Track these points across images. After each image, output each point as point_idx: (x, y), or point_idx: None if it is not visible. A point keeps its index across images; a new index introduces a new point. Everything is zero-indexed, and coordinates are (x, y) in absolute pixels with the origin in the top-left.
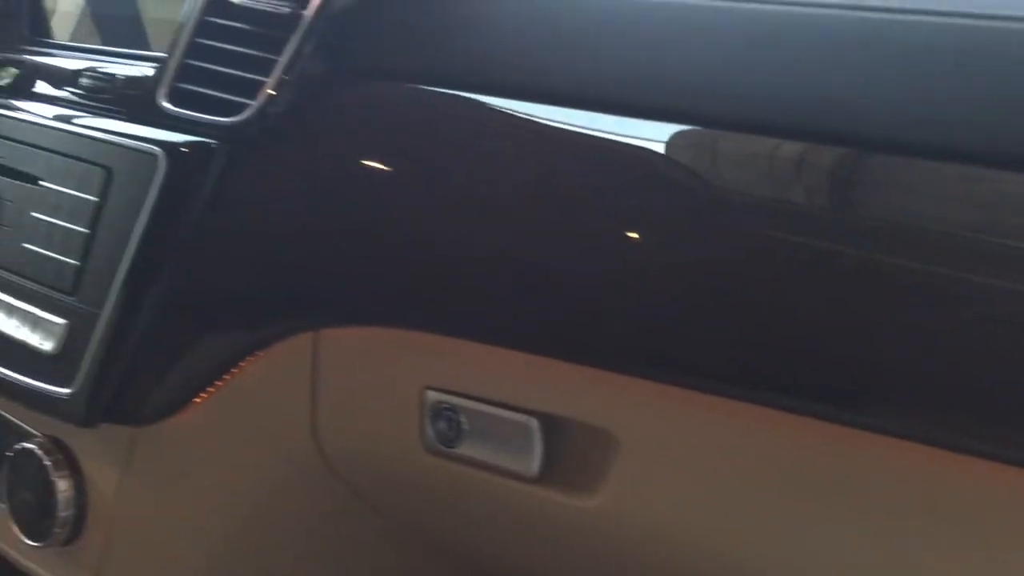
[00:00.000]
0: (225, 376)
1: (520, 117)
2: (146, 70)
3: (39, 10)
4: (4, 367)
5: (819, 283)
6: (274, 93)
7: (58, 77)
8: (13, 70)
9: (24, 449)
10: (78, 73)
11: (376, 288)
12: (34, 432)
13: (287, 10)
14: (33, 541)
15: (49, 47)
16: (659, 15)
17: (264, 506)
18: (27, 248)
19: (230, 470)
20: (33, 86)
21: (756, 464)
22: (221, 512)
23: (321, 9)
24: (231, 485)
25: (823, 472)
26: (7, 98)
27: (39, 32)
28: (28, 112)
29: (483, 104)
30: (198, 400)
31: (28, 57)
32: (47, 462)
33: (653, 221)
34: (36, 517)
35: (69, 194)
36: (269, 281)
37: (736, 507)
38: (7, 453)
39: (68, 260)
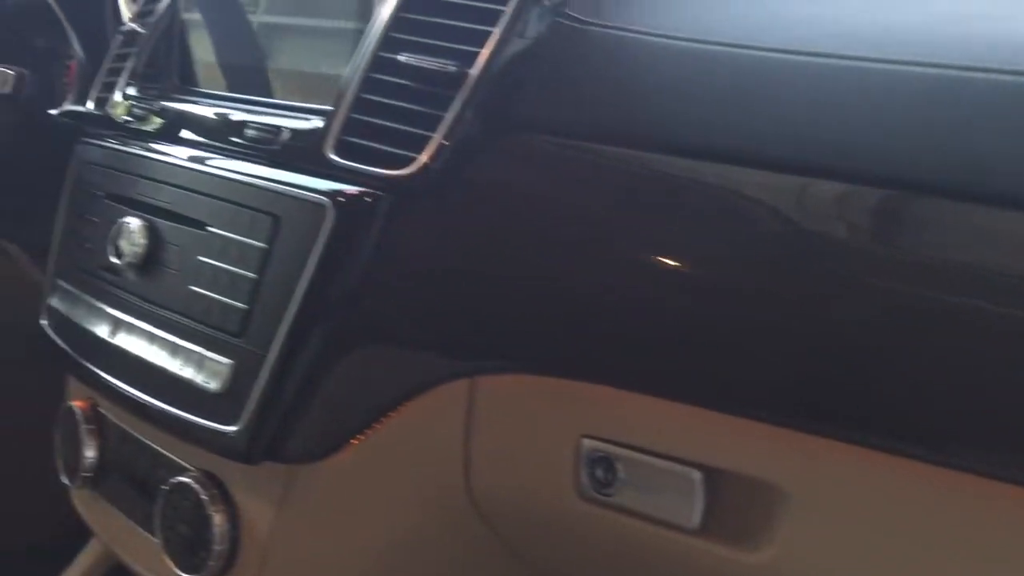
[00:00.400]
0: (383, 419)
1: (680, 174)
2: (307, 122)
3: (188, 60)
4: (169, 404)
5: (988, 339)
6: (439, 148)
7: (218, 126)
8: (164, 119)
9: (180, 483)
10: (242, 124)
11: (534, 337)
12: (187, 466)
13: (452, 69)
14: (186, 574)
15: (200, 96)
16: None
17: (413, 547)
18: (193, 291)
19: (381, 510)
20: (192, 134)
21: (936, 525)
22: (370, 551)
23: (486, 68)
24: (382, 525)
25: (1005, 537)
26: (165, 145)
27: (188, 81)
28: (190, 160)
29: (644, 160)
30: (355, 441)
31: (183, 106)
32: (204, 496)
33: (815, 278)
34: (190, 550)
35: (237, 240)
36: (429, 328)
37: (912, 569)
38: (161, 487)
39: (235, 303)
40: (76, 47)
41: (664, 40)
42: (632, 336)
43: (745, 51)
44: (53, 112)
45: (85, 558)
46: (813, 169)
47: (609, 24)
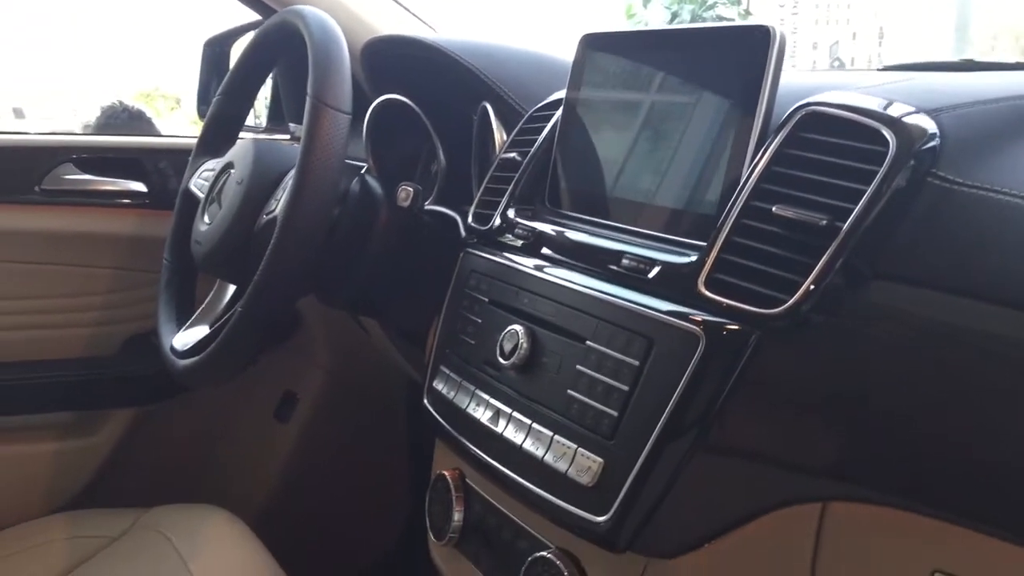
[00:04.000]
0: (737, 528)
1: None
2: (679, 257)
3: (556, 184)
4: (542, 489)
5: None
6: (808, 293)
7: (596, 253)
8: (542, 240)
9: (544, 558)
10: (619, 254)
11: (890, 472)
12: (547, 543)
13: (824, 223)
14: None
15: (570, 219)
16: None
17: None
18: (570, 394)
19: None
20: (570, 257)
21: None
22: None
23: (857, 223)
24: None
25: None
26: (545, 263)
27: (555, 203)
28: (570, 280)
29: (1007, 316)
30: (708, 544)
31: (559, 229)
32: (565, 572)
33: None
34: None
35: (614, 356)
36: (788, 451)
37: None
38: (526, 557)
39: (608, 410)
40: (440, 156)
41: None
42: (991, 481)
43: None
44: (428, 209)
45: None
46: None
47: (978, 184)
